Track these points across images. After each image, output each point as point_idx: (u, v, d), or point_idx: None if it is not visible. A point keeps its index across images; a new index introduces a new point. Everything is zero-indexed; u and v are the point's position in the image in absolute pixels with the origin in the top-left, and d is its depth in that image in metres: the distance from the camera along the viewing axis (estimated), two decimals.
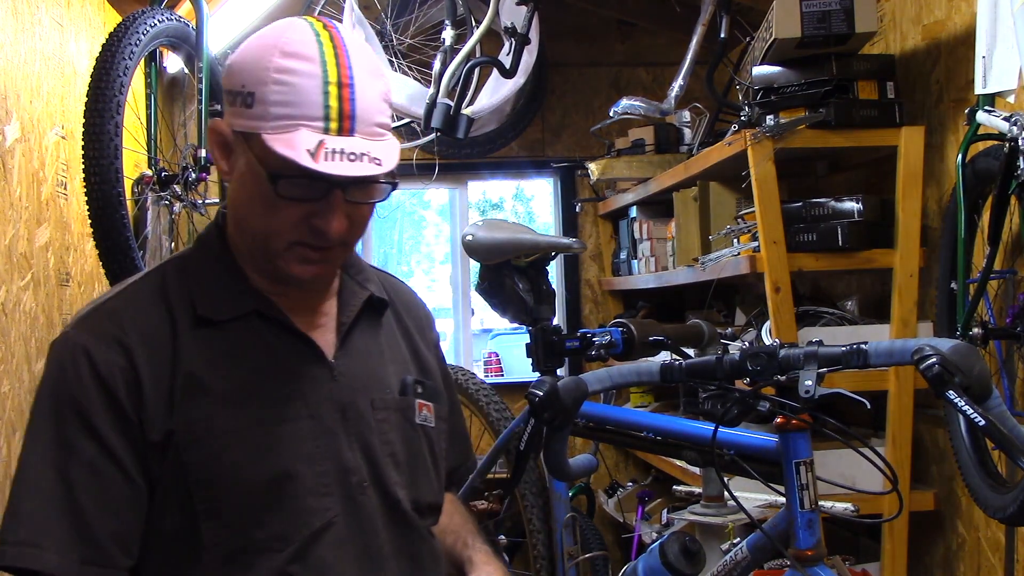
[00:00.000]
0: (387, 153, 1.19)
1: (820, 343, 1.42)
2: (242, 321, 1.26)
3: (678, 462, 2.94)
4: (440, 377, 1.47)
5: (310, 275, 1.25)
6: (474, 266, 4.01)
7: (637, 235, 3.74)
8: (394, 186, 1.25)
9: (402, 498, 1.31)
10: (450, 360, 1.69)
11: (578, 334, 2.50)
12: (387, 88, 1.24)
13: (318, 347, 1.29)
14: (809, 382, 1.37)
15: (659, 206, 3.63)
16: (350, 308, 1.34)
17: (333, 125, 1.16)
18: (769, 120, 2.54)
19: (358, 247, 1.40)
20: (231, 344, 1.25)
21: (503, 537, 2.86)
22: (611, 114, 3.49)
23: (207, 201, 3.04)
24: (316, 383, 1.27)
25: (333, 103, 1.16)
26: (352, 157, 1.15)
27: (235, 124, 1.21)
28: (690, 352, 2.46)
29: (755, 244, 2.60)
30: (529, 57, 3.43)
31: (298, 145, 1.14)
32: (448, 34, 3.36)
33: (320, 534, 1.22)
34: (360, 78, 1.18)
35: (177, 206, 2.90)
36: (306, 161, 1.13)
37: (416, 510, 1.33)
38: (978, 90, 2.13)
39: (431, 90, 3.25)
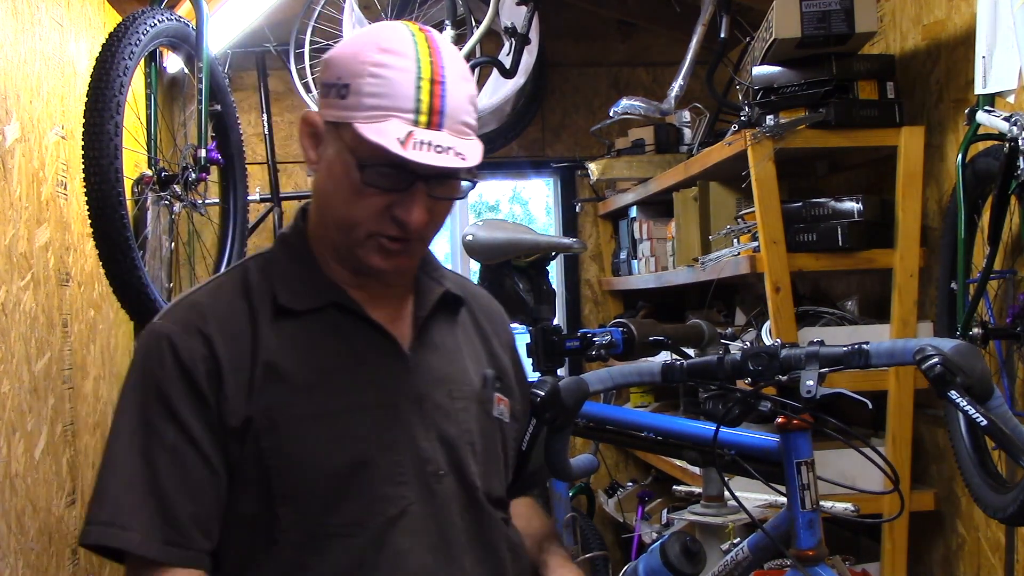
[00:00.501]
0: (472, 151, 1.23)
1: (821, 343, 1.42)
2: (321, 313, 1.30)
3: (678, 462, 2.94)
4: (515, 380, 1.49)
5: (389, 267, 1.28)
6: (474, 266, 4.01)
7: (637, 235, 3.74)
8: (474, 184, 1.30)
9: (479, 487, 1.32)
10: None
11: (578, 334, 2.50)
12: (475, 92, 1.29)
13: (395, 339, 1.32)
14: (811, 382, 1.37)
15: (659, 206, 3.63)
16: (426, 302, 1.37)
17: (423, 119, 1.20)
18: (769, 120, 2.54)
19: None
20: (309, 334, 1.28)
21: None
22: (611, 114, 3.49)
23: (207, 201, 3.04)
24: (393, 374, 1.30)
25: (424, 97, 1.20)
26: (439, 149, 1.20)
27: (327, 115, 1.25)
28: (690, 352, 2.46)
29: (755, 244, 2.60)
30: (529, 57, 3.43)
31: (388, 133, 1.18)
32: (448, 34, 3.36)
33: (395, 521, 1.24)
34: (452, 78, 1.23)
35: (177, 206, 2.90)
36: (396, 148, 1.17)
37: (489, 501, 1.35)
38: (978, 90, 2.13)
39: None
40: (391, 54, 1.21)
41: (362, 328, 1.30)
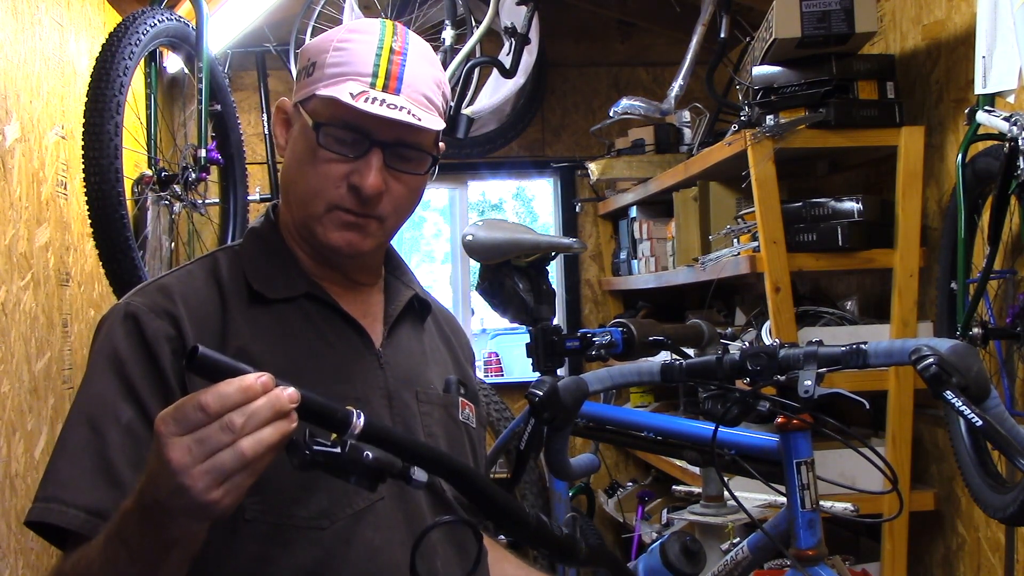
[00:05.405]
0: (429, 119, 1.22)
1: (820, 343, 1.42)
2: (294, 303, 1.27)
3: (678, 462, 2.94)
4: (478, 395, 1.48)
5: (346, 243, 1.24)
6: (474, 266, 4.01)
7: (637, 235, 3.74)
8: (435, 160, 1.28)
9: (446, 489, 1.30)
10: None
11: (578, 334, 2.50)
12: (442, 79, 1.28)
13: (367, 334, 1.30)
14: (808, 382, 1.37)
15: (659, 206, 3.63)
16: (396, 302, 1.36)
17: (379, 82, 1.21)
18: (769, 120, 2.54)
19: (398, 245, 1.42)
20: (282, 323, 1.26)
21: (503, 537, 2.85)
22: (611, 114, 3.49)
23: (207, 201, 3.05)
24: (364, 368, 1.28)
25: (383, 64, 1.22)
26: (392, 107, 1.18)
27: (296, 96, 1.27)
28: (690, 352, 2.46)
29: (755, 244, 2.60)
30: (529, 57, 3.43)
31: (343, 91, 1.19)
32: (448, 34, 3.36)
33: (363, 515, 1.21)
34: (415, 53, 1.24)
35: (177, 206, 2.90)
36: (346, 99, 1.17)
37: (461, 504, 1.33)
38: (978, 90, 2.13)
39: None
40: (357, 32, 1.24)
41: (335, 321, 1.28)
